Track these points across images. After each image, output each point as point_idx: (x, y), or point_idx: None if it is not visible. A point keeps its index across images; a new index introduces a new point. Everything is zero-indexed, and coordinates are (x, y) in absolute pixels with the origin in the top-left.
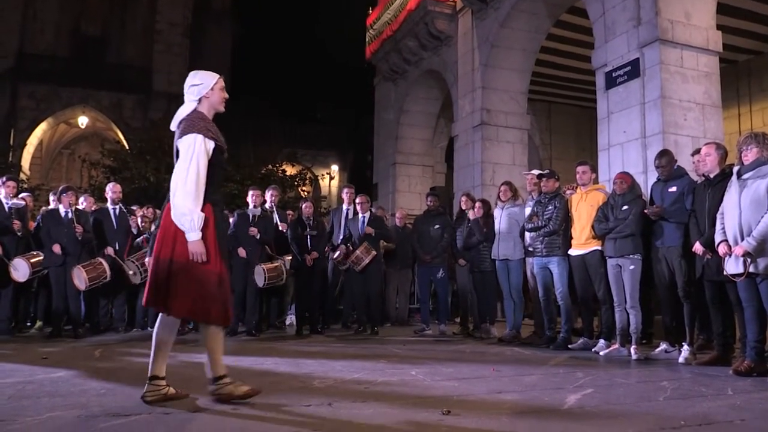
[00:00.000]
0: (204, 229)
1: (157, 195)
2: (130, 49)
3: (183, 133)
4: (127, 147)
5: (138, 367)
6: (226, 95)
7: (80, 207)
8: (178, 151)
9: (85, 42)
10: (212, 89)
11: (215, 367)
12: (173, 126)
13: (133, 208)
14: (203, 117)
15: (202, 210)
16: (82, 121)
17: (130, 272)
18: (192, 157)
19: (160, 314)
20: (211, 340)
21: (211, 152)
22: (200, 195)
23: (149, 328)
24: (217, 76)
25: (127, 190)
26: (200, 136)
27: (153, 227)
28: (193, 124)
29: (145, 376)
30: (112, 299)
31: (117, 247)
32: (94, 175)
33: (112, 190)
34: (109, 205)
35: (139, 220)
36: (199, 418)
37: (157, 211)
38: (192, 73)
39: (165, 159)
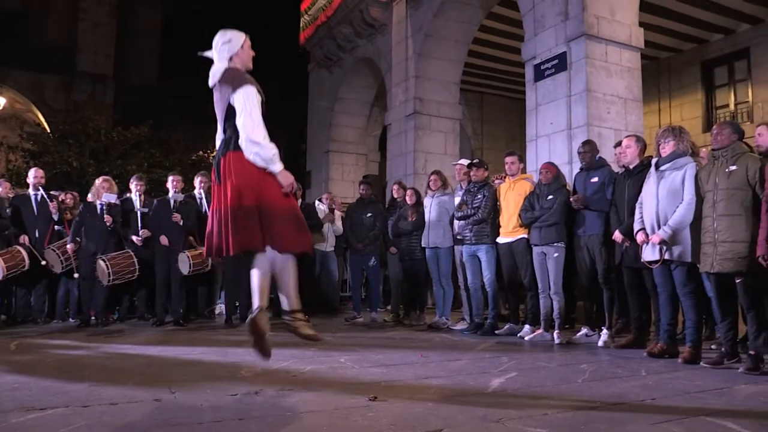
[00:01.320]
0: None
1: (80, 181)
2: (53, 27)
3: (237, 86)
4: (48, 130)
5: (57, 359)
6: (253, 53)
7: None
8: (229, 107)
9: (3, 18)
10: (242, 47)
11: (292, 300)
12: (212, 82)
13: (55, 193)
14: (245, 72)
15: None
16: None
17: (50, 261)
18: (253, 106)
19: (259, 255)
20: (290, 274)
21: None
22: (266, 133)
23: (70, 320)
24: (244, 34)
25: (49, 175)
26: (254, 88)
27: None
28: (243, 77)
29: (64, 369)
30: (30, 289)
31: (37, 235)
32: (12, 160)
33: (34, 175)
34: (30, 190)
35: (60, 205)
36: (123, 409)
37: (78, 195)
38: (220, 32)
39: (89, 143)
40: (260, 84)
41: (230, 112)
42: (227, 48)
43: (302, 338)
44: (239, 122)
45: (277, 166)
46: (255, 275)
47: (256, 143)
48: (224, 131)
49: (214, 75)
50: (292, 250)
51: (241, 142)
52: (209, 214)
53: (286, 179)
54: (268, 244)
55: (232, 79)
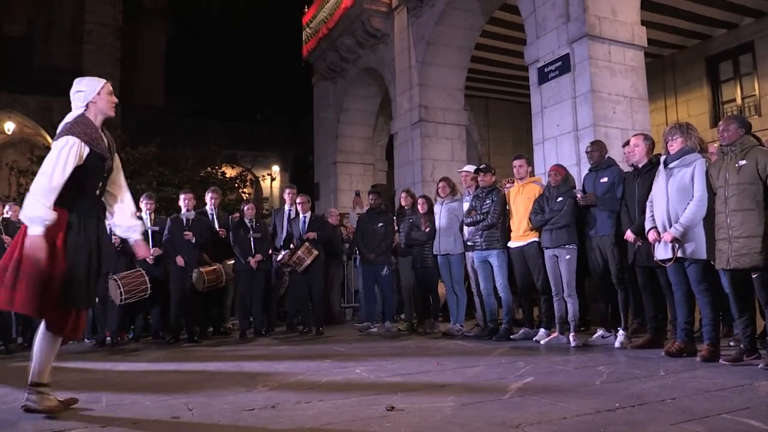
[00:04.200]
0: (53, 232)
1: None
2: (58, 51)
3: (58, 136)
4: None
5: (74, 380)
6: (115, 99)
7: (6, 216)
8: None
9: (9, 44)
10: (98, 94)
11: (35, 373)
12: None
13: None
14: (87, 122)
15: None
16: (9, 126)
17: None
18: (58, 158)
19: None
20: (40, 344)
21: (84, 158)
22: (53, 195)
23: (86, 341)
24: (104, 81)
25: None
26: (74, 140)
27: None
28: (70, 128)
29: (82, 389)
30: None
31: None
32: (23, 183)
33: None
34: None
35: None
36: (142, 428)
37: None
38: (77, 80)
39: None
40: (268, 98)
41: None
42: (82, 96)
43: (42, 411)
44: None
45: (33, 229)
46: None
47: (29, 199)
48: None
49: (62, 123)
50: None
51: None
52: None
53: (32, 244)
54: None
55: (63, 127)
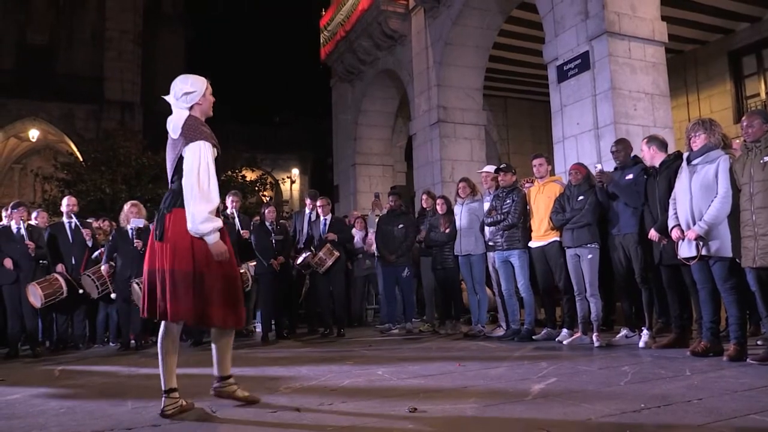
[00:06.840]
0: (222, 236)
1: (114, 207)
2: (80, 58)
3: (189, 140)
4: (81, 159)
5: (100, 383)
6: (214, 99)
7: (33, 223)
8: (179, 159)
9: (32, 52)
10: (204, 96)
11: (222, 368)
12: (172, 133)
13: (89, 220)
14: (204, 124)
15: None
16: (33, 134)
17: (86, 287)
18: (201, 163)
19: (164, 324)
20: (224, 342)
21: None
22: (215, 199)
23: (110, 344)
24: (206, 80)
25: (83, 203)
26: (208, 144)
27: (110, 238)
28: (199, 131)
29: (107, 392)
30: (71, 315)
31: (74, 262)
32: (47, 190)
33: (66, 203)
34: (64, 219)
35: (93, 232)
36: (166, 430)
37: (113, 223)
38: (181, 79)
39: (120, 169)
40: (286, 101)
41: (180, 165)
42: (189, 98)
43: (241, 401)
44: (185, 182)
45: (210, 238)
46: (160, 349)
47: (194, 211)
48: (172, 181)
49: (176, 126)
50: (221, 327)
51: (186, 206)
52: (144, 271)
53: (217, 249)
54: (199, 319)
55: (189, 130)
